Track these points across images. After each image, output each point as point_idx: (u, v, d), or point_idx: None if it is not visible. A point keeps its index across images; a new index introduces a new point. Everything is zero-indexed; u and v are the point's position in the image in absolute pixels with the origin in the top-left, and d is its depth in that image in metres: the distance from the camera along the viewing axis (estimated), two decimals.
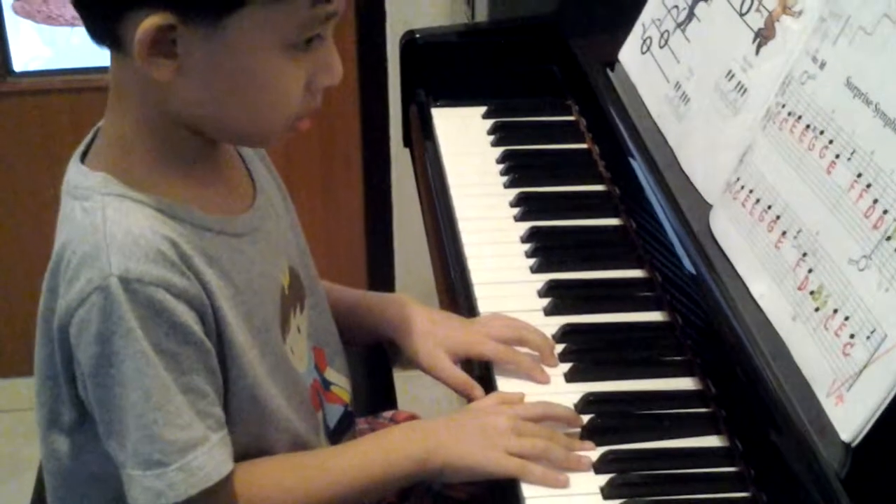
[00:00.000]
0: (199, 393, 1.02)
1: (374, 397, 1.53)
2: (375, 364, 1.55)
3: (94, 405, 1.02)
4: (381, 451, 1.13)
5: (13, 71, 2.42)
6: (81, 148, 1.09)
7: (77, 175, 1.05)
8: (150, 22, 0.95)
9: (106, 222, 1.00)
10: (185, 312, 1.00)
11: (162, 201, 1.03)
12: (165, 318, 0.99)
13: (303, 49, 1.01)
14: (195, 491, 1.01)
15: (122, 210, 1.01)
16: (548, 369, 1.23)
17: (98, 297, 0.98)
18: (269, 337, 1.11)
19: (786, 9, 1.22)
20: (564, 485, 1.08)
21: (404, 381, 1.52)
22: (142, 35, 0.96)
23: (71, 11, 2.81)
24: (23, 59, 2.50)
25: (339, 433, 1.24)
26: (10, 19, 2.46)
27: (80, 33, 2.96)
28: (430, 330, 1.27)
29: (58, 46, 2.77)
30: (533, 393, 1.20)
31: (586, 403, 1.17)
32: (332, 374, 1.26)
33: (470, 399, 1.21)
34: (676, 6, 1.46)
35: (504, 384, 1.22)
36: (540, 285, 1.36)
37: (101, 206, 1.01)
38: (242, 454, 1.07)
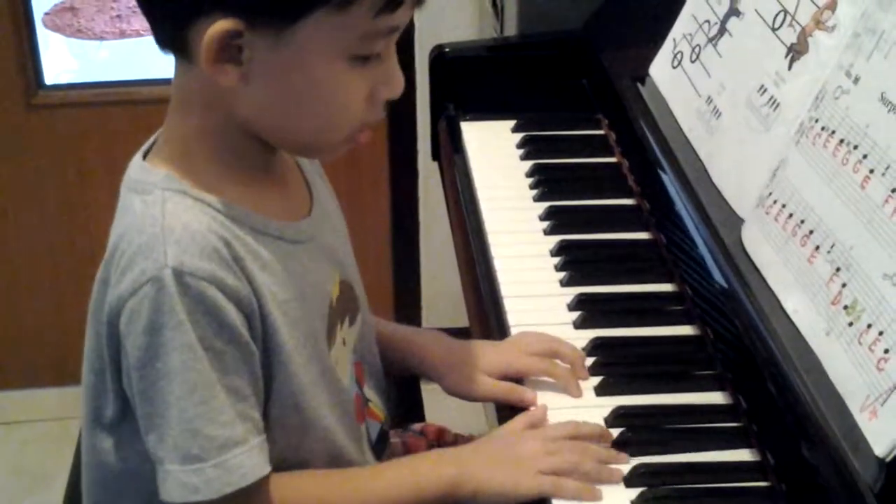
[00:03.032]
0: (240, 395, 1.02)
1: (403, 410, 1.53)
2: (403, 377, 1.55)
3: (136, 398, 1.03)
4: (413, 475, 1.13)
5: (44, 84, 2.43)
6: (144, 148, 1.10)
7: (139, 171, 1.07)
8: (218, 27, 0.96)
9: (165, 215, 1.01)
10: (233, 312, 1.01)
11: (221, 202, 1.03)
12: (214, 316, 1.00)
13: (364, 62, 1.02)
14: (230, 489, 1.01)
15: (182, 205, 1.02)
16: (579, 382, 1.22)
17: (151, 289, 0.98)
18: (316, 345, 1.11)
19: (819, 24, 1.22)
20: (598, 499, 1.08)
21: (431, 394, 1.52)
22: (209, 40, 0.97)
23: (100, 25, 2.83)
24: (52, 72, 2.52)
25: (379, 450, 1.25)
26: (40, 32, 2.48)
27: (109, 47, 3.00)
28: (466, 360, 1.27)
29: (86, 60, 2.79)
30: (563, 406, 1.20)
31: (616, 417, 1.17)
32: (368, 391, 1.26)
33: (521, 404, 1.21)
34: (708, 21, 1.46)
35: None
36: (570, 299, 1.36)
37: (161, 200, 1.02)
38: (279, 463, 1.07)
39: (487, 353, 1.27)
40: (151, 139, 1.11)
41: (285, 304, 1.06)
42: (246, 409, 1.03)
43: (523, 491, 1.10)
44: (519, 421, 1.19)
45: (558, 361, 1.24)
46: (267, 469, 1.04)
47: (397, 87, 1.06)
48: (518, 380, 1.24)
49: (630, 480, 1.10)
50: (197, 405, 0.99)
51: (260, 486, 1.04)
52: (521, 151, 1.68)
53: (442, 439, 1.42)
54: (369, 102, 1.05)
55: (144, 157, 1.08)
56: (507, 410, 1.23)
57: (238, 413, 1.02)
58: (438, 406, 1.58)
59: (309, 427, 1.11)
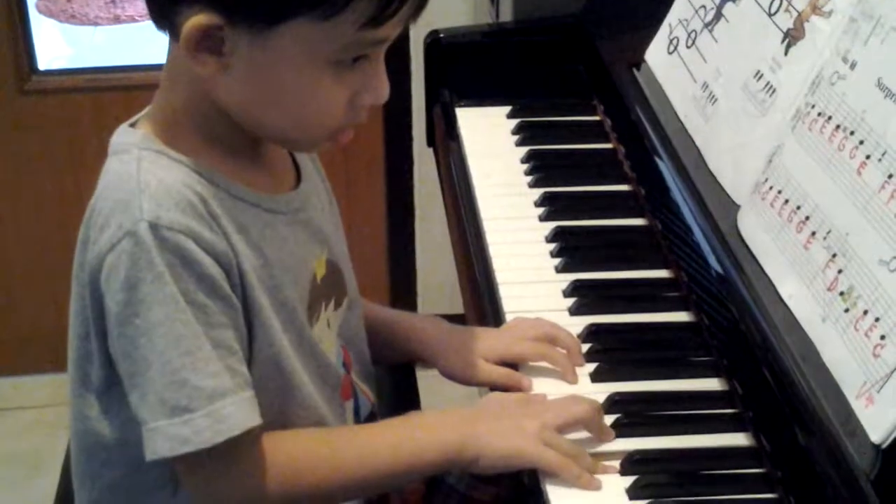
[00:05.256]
0: (228, 349, 1.02)
1: (398, 398, 1.52)
2: (398, 363, 1.54)
3: (118, 356, 1.02)
4: (415, 433, 1.12)
5: (38, 69, 2.43)
6: (132, 119, 1.10)
7: (120, 134, 1.07)
8: (197, 20, 0.97)
9: (140, 171, 1.01)
10: (212, 265, 1.00)
11: (199, 164, 1.04)
12: (194, 268, 0.99)
13: (348, 67, 1.02)
14: (221, 439, 1.00)
15: (158, 163, 1.02)
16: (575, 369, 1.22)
17: (128, 243, 0.98)
18: (294, 316, 1.11)
19: (815, 9, 1.22)
20: (598, 487, 1.08)
21: (427, 380, 1.52)
22: (188, 31, 0.98)
23: (94, 11, 2.82)
24: (45, 58, 2.51)
25: None
26: (34, 18, 2.47)
27: (102, 32, 2.99)
28: (465, 345, 1.27)
29: (80, 45, 2.78)
30: (559, 393, 1.19)
31: (612, 403, 1.17)
32: (355, 377, 1.25)
33: (518, 389, 1.21)
34: (704, 6, 1.45)
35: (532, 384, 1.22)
36: (565, 285, 1.36)
37: (137, 159, 1.02)
38: (265, 427, 1.05)
39: (485, 338, 1.27)
40: (141, 113, 1.11)
41: (262, 269, 1.06)
42: (234, 363, 1.02)
43: (527, 458, 1.09)
44: (519, 396, 1.19)
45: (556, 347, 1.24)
46: (258, 420, 1.03)
47: (381, 95, 1.06)
48: (514, 366, 1.24)
49: (625, 467, 1.09)
50: (182, 356, 0.99)
51: (251, 438, 1.03)
52: (516, 138, 1.68)
53: None
54: (350, 106, 1.05)
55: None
56: None
57: (226, 366, 1.01)
58: (434, 392, 1.58)
59: (292, 392, 1.10)
